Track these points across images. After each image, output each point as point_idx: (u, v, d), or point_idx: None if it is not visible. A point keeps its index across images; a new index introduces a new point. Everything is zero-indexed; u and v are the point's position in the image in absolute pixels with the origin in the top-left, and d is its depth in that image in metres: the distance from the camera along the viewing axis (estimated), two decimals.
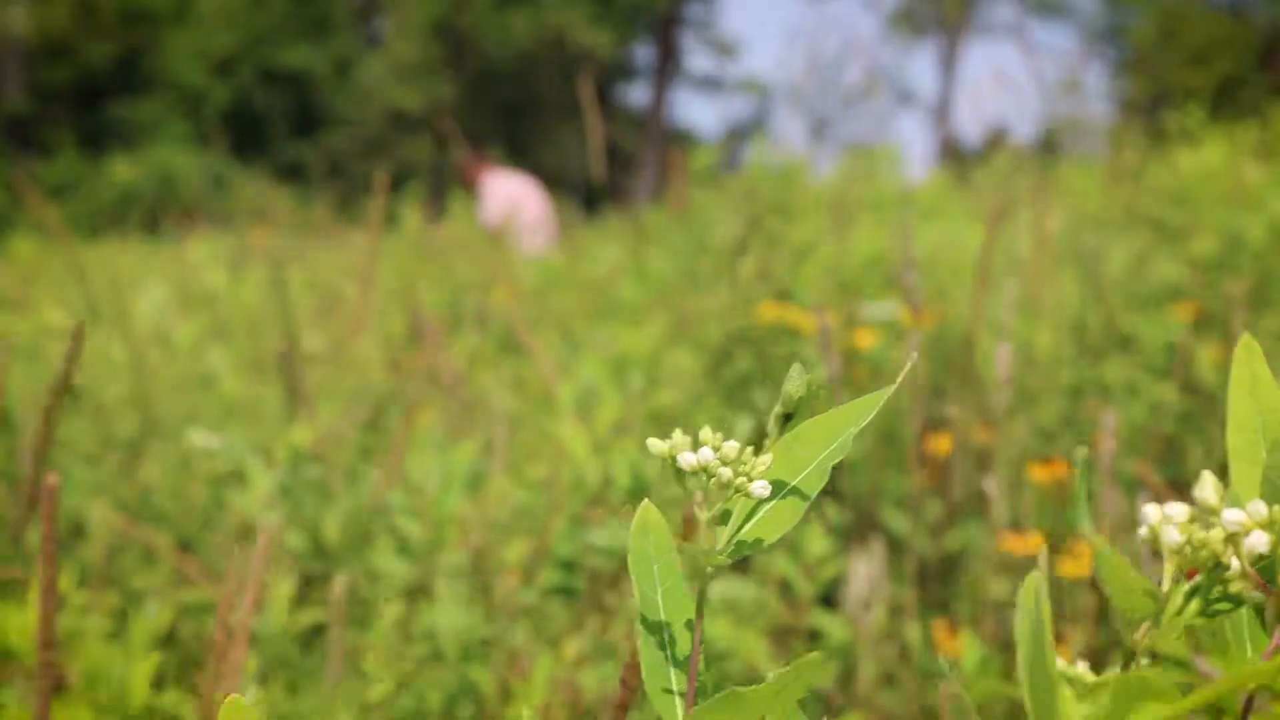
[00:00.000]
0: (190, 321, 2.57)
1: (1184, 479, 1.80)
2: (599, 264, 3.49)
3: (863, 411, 0.53)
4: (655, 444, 0.52)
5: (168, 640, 1.56)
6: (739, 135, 22.81)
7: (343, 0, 22.10)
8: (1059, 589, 1.68)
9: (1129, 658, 0.45)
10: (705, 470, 0.51)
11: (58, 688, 1.23)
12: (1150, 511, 0.44)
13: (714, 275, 2.53)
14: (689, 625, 0.55)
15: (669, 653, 0.54)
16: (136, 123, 19.20)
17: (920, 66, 32.35)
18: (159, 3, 20.17)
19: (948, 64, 22.76)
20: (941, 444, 1.95)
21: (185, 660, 1.57)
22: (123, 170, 17.57)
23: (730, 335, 2.11)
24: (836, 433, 0.53)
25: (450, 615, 1.29)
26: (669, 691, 0.53)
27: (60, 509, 1.81)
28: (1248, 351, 0.47)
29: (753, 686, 0.49)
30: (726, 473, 0.51)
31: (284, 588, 1.27)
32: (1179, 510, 0.43)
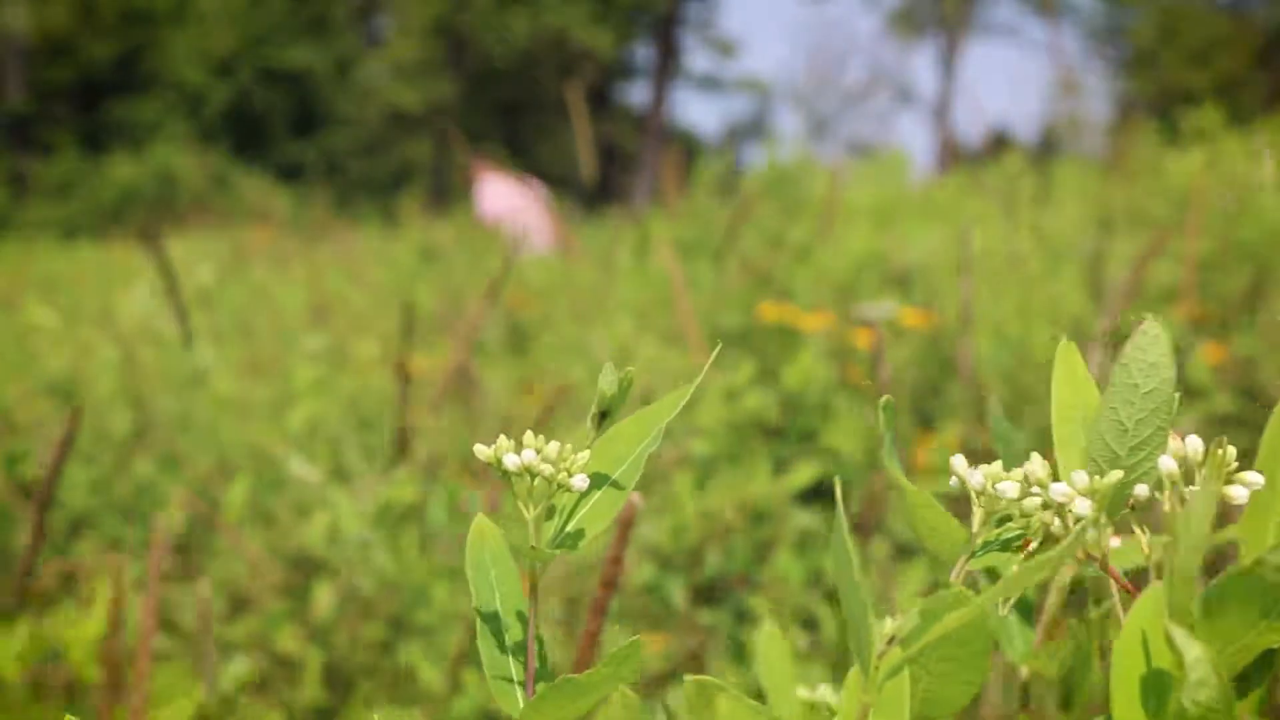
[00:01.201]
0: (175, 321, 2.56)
1: None
2: (598, 264, 3.48)
3: (669, 407, 0.58)
4: (481, 449, 0.56)
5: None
6: (739, 135, 22.82)
7: (343, 0, 22.10)
8: None
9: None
10: (529, 470, 0.56)
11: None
12: (958, 461, 0.51)
13: (714, 276, 2.53)
14: (521, 618, 0.59)
15: (505, 644, 0.58)
16: (137, 122, 19.20)
17: (920, 66, 32.36)
18: (159, 2, 20.16)
19: (947, 63, 22.76)
20: (941, 443, 1.94)
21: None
22: (123, 169, 17.57)
23: (729, 335, 2.11)
24: (649, 428, 0.58)
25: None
26: (508, 680, 0.58)
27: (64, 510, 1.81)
28: (1068, 351, 0.54)
29: (584, 673, 0.53)
30: (548, 469, 0.55)
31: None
32: (1011, 485, 0.50)
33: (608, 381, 0.59)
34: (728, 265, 2.47)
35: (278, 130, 20.04)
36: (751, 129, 23.46)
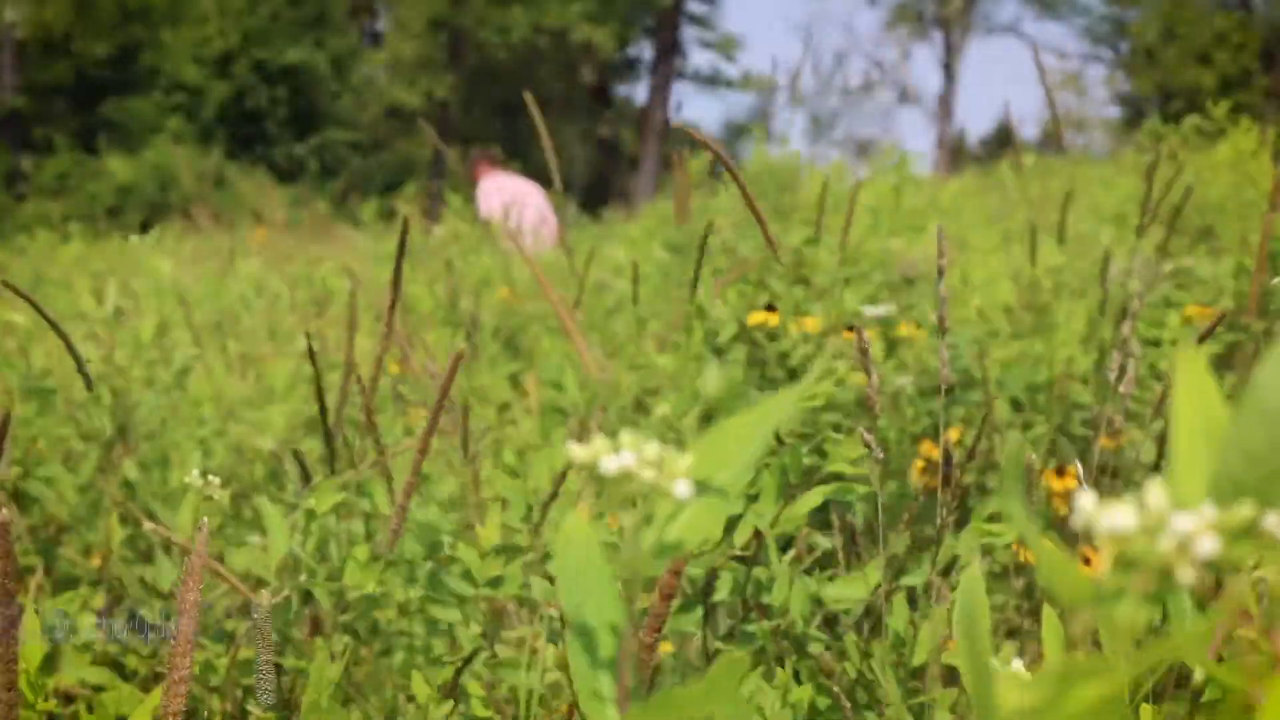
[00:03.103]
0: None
1: None
2: (599, 264, 3.43)
3: (780, 408, 0.53)
4: (576, 450, 0.50)
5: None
6: (739, 132, 22.79)
7: None
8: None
9: (1069, 646, 0.48)
10: (628, 475, 0.50)
11: None
12: (1085, 500, 0.44)
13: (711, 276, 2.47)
14: (615, 629, 0.55)
15: (597, 657, 0.54)
16: (133, 120, 19.15)
17: (921, 65, 32.36)
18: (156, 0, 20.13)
19: (949, 62, 22.72)
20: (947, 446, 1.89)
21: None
22: (120, 167, 17.53)
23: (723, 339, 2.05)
24: (757, 430, 0.53)
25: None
26: (599, 697, 0.53)
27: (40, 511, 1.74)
28: (1191, 360, 0.48)
29: (684, 687, 0.49)
30: (649, 475, 0.49)
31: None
32: (1127, 515, 0.43)
33: (713, 383, 0.52)
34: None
35: (276, 128, 19.99)
36: (752, 126, 23.41)
